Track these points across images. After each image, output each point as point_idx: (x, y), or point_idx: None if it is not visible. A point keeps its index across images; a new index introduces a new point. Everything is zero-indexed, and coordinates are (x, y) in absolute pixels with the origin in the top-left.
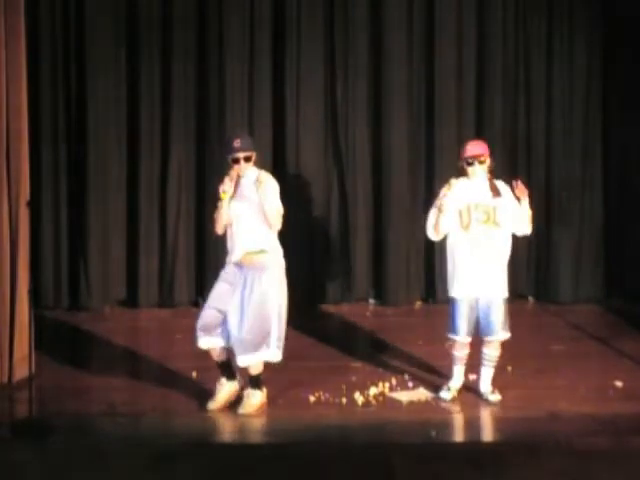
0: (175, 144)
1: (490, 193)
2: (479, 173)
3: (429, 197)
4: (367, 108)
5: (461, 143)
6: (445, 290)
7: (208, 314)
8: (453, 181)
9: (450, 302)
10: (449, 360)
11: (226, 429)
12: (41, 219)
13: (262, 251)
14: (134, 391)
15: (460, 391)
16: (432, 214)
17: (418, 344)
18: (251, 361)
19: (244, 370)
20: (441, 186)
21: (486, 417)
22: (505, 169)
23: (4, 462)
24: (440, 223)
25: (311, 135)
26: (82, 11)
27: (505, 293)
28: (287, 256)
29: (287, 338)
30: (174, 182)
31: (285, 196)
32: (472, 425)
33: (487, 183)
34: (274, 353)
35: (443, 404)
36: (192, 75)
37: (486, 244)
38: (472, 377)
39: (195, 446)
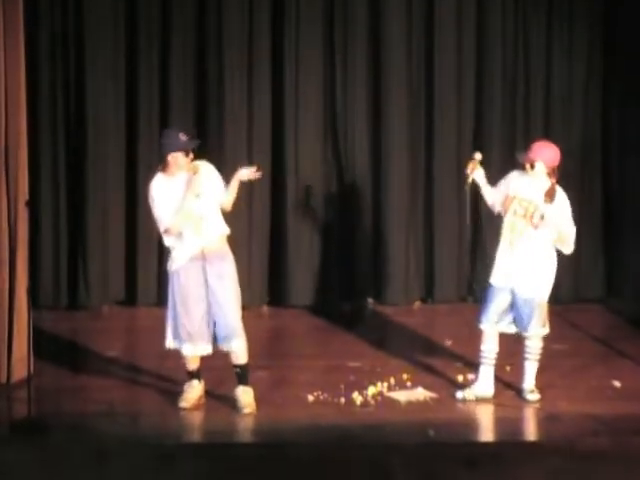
0: None
1: (544, 195)
2: (531, 173)
3: (428, 196)
4: (366, 106)
5: (461, 141)
6: (444, 289)
7: (189, 321)
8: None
9: (488, 288)
10: (447, 360)
11: (224, 429)
12: (40, 218)
13: (220, 238)
14: (133, 390)
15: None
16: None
17: (417, 344)
18: (244, 345)
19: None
20: (441, 186)
21: (485, 417)
22: (503, 164)
23: (3, 462)
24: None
25: (309, 131)
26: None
27: (541, 296)
28: (287, 255)
29: (285, 338)
30: None
31: (282, 195)
32: (471, 425)
33: (547, 185)
34: (244, 337)
35: (458, 403)
36: (190, 67)
37: (525, 240)
38: (471, 377)
39: (194, 446)
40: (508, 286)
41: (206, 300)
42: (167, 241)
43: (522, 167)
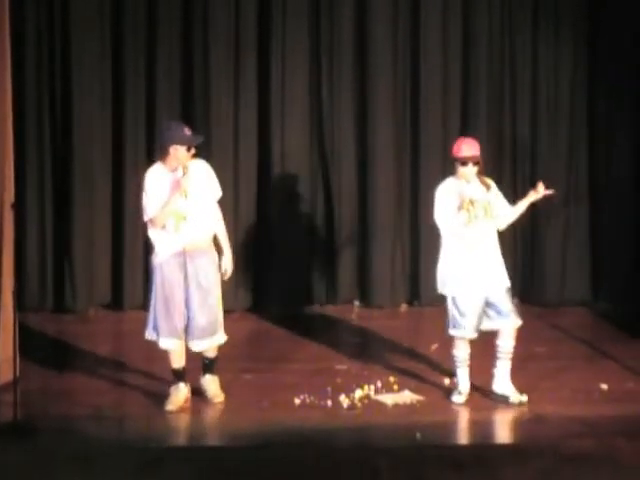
0: None
1: (483, 188)
2: (471, 173)
3: (414, 198)
4: (352, 105)
5: (447, 142)
6: (431, 292)
7: (169, 314)
8: (456, 181)
9: (451, 300)
10: (434, 362)
11: (211, 432)
12: (26, 221)
13: (206, 237)
14: (119, 394)
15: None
16: (447, 217)
17: (403, 346)
18: (211, 345)
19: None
20: (427, 187)
21: (471, 420)
22: (490, 169)
23: None
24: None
25: (295, 132)
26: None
27: (508, 282)
28: (273, 257)
29: (271, 341)
30: None
31: (267, 195)
32: (457, 428)
33: (477, 179)
34: (223, 336)
35: (454, 407)
36: (177, 65)
37: (485, 238)
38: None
39: (180, 449)
40: (477, 290)
41: (186, 296)
42: (151, 232)
43: (455, 172)
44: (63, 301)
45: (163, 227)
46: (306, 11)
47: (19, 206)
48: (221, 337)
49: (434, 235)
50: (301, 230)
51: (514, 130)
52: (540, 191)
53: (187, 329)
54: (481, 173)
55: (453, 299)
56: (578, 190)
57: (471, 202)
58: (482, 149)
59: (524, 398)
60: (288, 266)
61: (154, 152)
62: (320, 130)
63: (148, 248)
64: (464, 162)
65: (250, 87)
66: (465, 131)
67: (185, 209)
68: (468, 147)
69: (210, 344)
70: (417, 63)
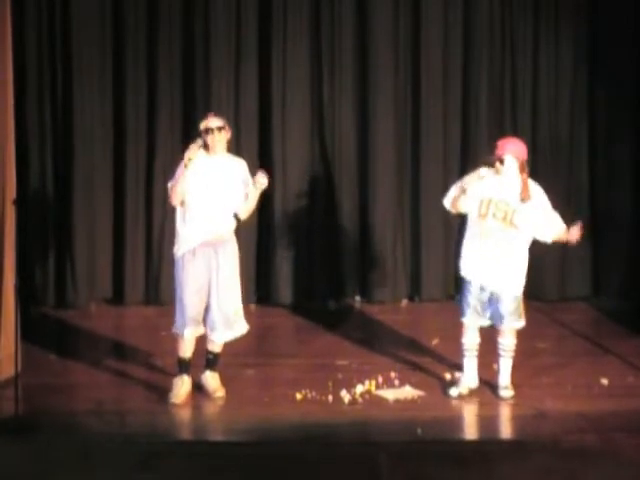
0: (160, 143)
1: (520, 194)
2: (505, 172)
3: (416, 194)
4: (353, 104)
5: (448, 136)
6: (431, 288)
7: (193, 304)
8: (483, 172)
9: (461, 282)
10: (435, 358)
11: (212, 427)
12: (28, 216)
13: (228, 229)
14: (121, 389)
15: (475, 390)
16: (455, 189)
17: (404, 342)
18: (231, 337)
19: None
20: (428, 182)
21: (472, 415)
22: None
23: None
24: (459, 203)
25: (296, 128)
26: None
27: (516, 291)
28: (274, 253)
29: (273, 336)
30: (160, 179)
31: (269, 194)
32: (458, 423)
33: (520, 182)
34: (245, 325)
35: (455, 402)
36: (177, 68)
37: (498, 241)
38: (458, 375)
39: (182, 444)
40: (480, 282)
41: (207, 288)
42: (177, 219)
43: (493, 166)
44: (64, 296)
45: (182, 204)
46: (308, 3)
47: (20, 202)
48: (243, 327)
49: (435, 231)
50: (302, 225)
51: (515, 127)
52: (576, 232)
53: (208, 321)
54: (526, 177)
55: (462, 280)
56: (579, 186)
57: (492, 201)
58: (482, 143)
59: (509, 394)
60: (289, 261)
61: (154, 150)
62: (321, 125)
63: (149, 243)
64: (496, 160)
65: (251, 83)
66: (466, 128)
67: (213, 199)
68: (500, 145)
69: (232, 335)
70: (418, 59)
